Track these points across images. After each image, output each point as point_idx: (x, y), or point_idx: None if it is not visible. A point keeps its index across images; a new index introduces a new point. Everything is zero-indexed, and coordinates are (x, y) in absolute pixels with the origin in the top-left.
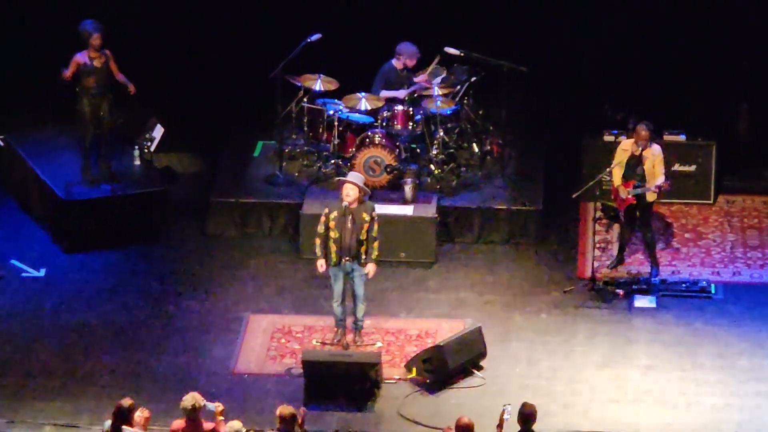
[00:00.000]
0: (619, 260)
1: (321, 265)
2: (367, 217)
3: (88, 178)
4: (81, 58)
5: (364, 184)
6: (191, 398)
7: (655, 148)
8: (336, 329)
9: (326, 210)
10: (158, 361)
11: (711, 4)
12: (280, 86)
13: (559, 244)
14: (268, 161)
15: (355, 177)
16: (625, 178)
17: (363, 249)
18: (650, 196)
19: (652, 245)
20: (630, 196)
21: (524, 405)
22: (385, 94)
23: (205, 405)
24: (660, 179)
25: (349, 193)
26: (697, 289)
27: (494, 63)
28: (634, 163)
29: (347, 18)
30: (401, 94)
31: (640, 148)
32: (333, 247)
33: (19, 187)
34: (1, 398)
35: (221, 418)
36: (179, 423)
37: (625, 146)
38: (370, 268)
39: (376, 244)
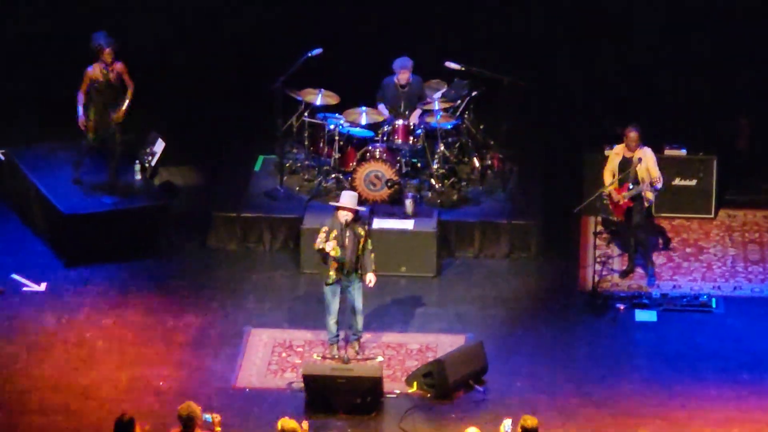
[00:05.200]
0: (630, 269)
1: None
2: (362, 232)
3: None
4: (92, 72)
5: (364, 198)
6: (187, 407)
7: (646, 150)
8: (330, 345)
9: (325, 228)
10: (159, 376)
11: (711, 18)
12: (281, 100)
13: (560, 258)
14: (268, 175)
15: (349, 199)
16: (620, 182)
17: (360, 263)
18: (648, 195)
19: (646, 245)
20: (626, 200)
21: (525, 419)
22: (381, 111)
23: (202, 416)
24: (656, 178)
25: (347, 215)
26: (698, 304)
27: (495, 77)
28: (627, 166)
29: (348, 32)
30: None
31: (632, 151)
32: (334, 265)
33: (20, 201)
34: (2, 413)
35: (219, 429)
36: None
37: (617, 150)
38: (372, 277)
39: (372, 256)
